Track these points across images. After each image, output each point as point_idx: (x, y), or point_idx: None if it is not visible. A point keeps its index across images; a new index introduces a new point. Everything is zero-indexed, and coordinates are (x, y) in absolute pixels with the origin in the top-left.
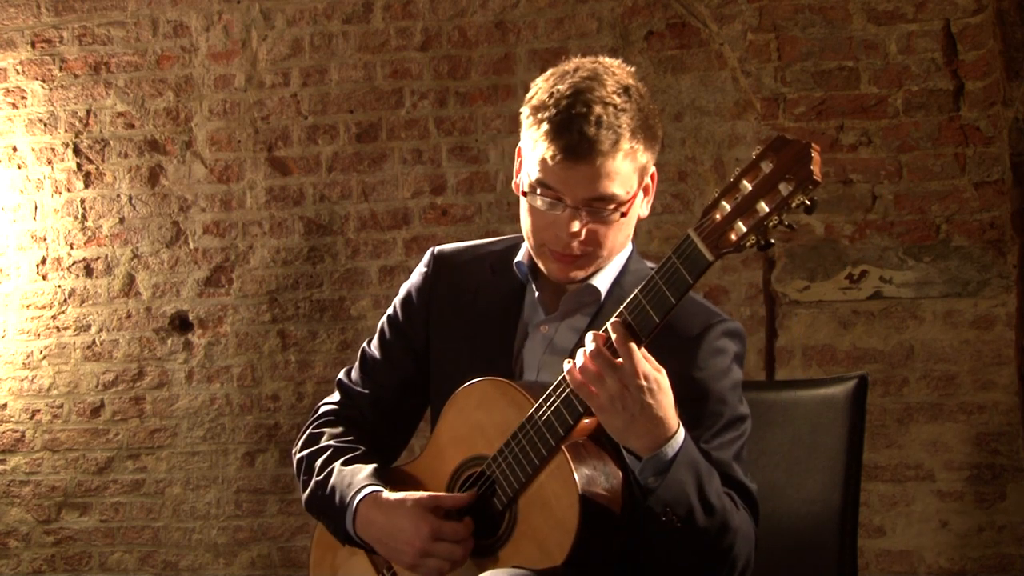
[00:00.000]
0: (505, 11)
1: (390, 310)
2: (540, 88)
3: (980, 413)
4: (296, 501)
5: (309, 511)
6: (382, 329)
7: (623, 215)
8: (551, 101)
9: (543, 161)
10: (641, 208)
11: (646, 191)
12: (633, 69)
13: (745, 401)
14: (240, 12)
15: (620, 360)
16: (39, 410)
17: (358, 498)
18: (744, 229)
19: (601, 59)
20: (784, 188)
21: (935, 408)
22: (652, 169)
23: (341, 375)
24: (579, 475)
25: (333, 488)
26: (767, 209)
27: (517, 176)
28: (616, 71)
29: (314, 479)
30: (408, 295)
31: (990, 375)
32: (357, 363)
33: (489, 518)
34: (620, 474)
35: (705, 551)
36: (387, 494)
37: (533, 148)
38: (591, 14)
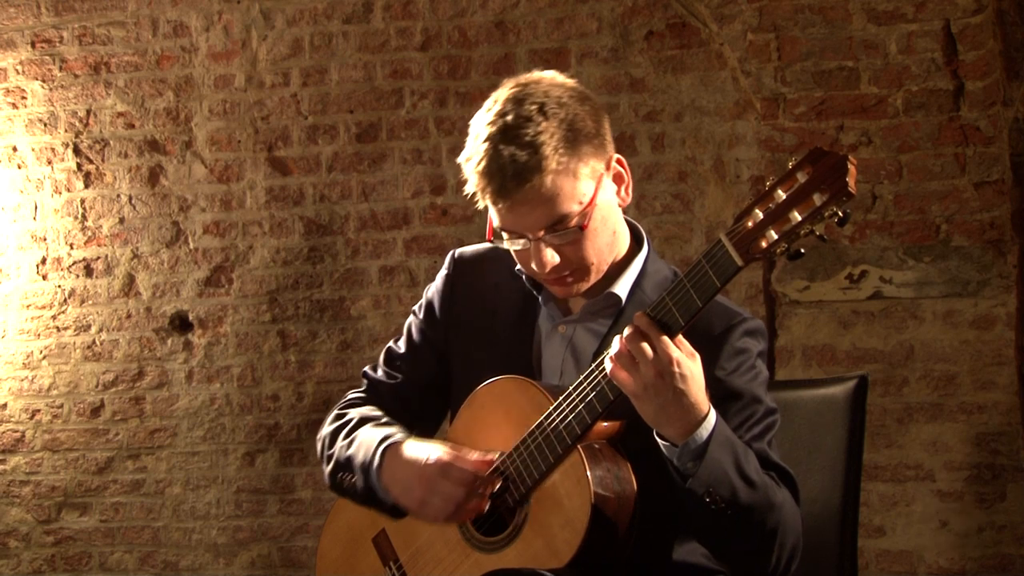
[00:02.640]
0: (505, 11)
1: (415, 308)
2: (468, 136)
3: (980, 413)
4: (296, 501)
5: (333, 479)
6: (408, 328)
7: (583, 228)
8: (472, 152)
9: (490, 208)
10: (617, 198)
11: (618, 180)
12: (559, 78)
13: (769, 398)
14: (240, 12)
15: (654, 347)
16: (39, 410)
17: (383, 446)
18: (775, 237)
19: (522, 79)
20: (818, 199)
21: (935, 408)
22: (607, 159)
23: (367, 368)
24: (592, 475)
25: (360, 446)
26: (799, 218)
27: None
28: (532, 89)
29: (339, 443)
30: (431, 300)
31: (990, 375)
32: (382, 358)
33: (501, 515)
34: (634, 481)
35: (754, 530)
36: (411, 442)
37: (479, 200)
38: (591, 14)
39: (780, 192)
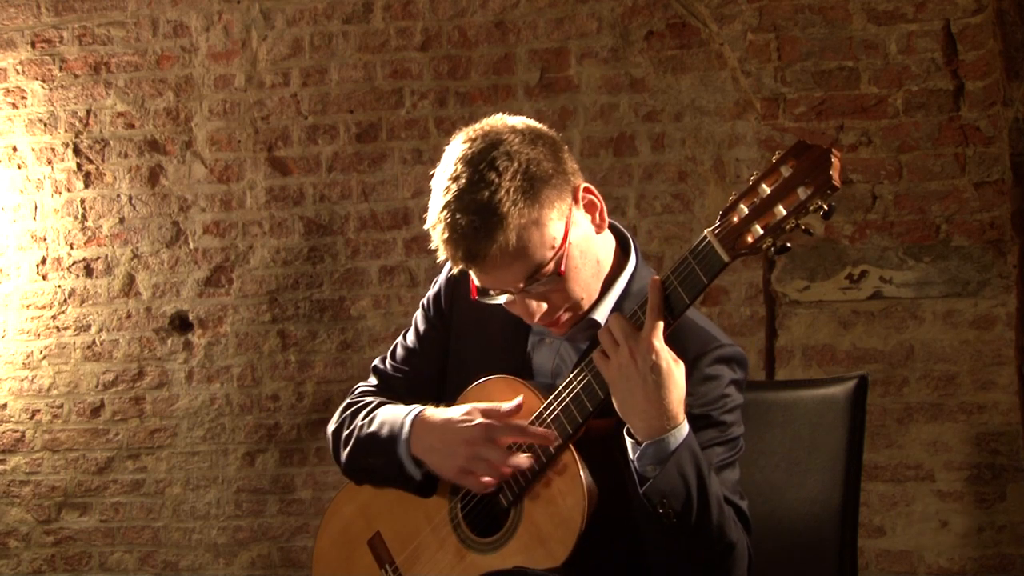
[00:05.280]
0: (505, 11)
1: (424, 301)
2: (429, 201)
3: (980, 413)
4: (296, 501)
5: (351, 463)
6: (416, 321)
7: (561, 273)
8: (433, 220)
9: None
10: (590, 229)
11: (590, 208)
12: (509, 120)
13: (741, 423)
14: (240, 12)
15: (634, 333)
16: (39, 410)
17: (412, 415)
18: (761, 231)
19: (470, 130)
20: (803, 192)
21: (935, 408)
22: (572, 192)
23: (376, 361)
24: (585, 474)
25: (383, 424)
26: (784, 212)
27: None
28: (479, 144)
29: (359, 425)
30: (437, 293)
31: (990, 375)
32: (391, 351)
33: (495, 515)
34: (627, 479)
35: (701, 555)
36: (441, 408)
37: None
38: (591, 14)
39: (764, 186)
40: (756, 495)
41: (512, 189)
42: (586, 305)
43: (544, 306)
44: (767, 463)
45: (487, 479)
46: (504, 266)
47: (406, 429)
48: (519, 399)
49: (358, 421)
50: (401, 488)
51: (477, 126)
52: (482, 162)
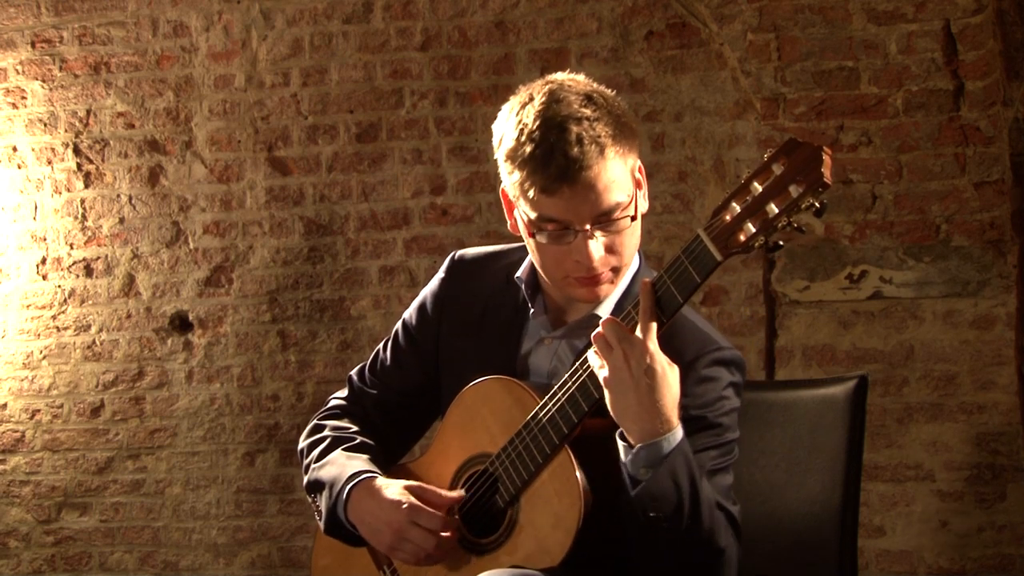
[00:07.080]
0: (505, 11)
1: (406, 313)
2: (506, 131)
3: (980, 413)
4: (296, 501)
5: (308, 493)
6: (396, 332)
7: (632, 218)
8: (524, 139)
9: (539, 197)
10: (642, 204)
11: (639, 186)
12: (583, 78)
13: (736, 427)
14: (240, 12)
15: (628, 337)
16: (39, 410)
17: (351, 484)
18: (753, 230)
19: (550, 77)
20: (794, 190)
21: (935, 408)
22: (639, 163)
23: (353, 372)
24: (581, 474)
25: (328, 474)
26: (776, 210)
27: (511, 218)
28: (571, 84)
29: (312, 465)
30: (424, 301)
31: (990, 375)
32: (369, 361)
33: (491, 516)
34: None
35: (690, 560)
36: (379, 480)
37: (523, 191)
38: (591, 14)
39: (756, 185)
40: (756, 495)
41: (611, 123)
42: (622, 275)
43: (601, 252)
44: (767, 463)
45: (411, 558)
46: (588, 195)
47: (344, 494)
48: (459, 493)
49: (313, 455)
50: (338, 539)
51: (555, 75)
52: (581, 95)
